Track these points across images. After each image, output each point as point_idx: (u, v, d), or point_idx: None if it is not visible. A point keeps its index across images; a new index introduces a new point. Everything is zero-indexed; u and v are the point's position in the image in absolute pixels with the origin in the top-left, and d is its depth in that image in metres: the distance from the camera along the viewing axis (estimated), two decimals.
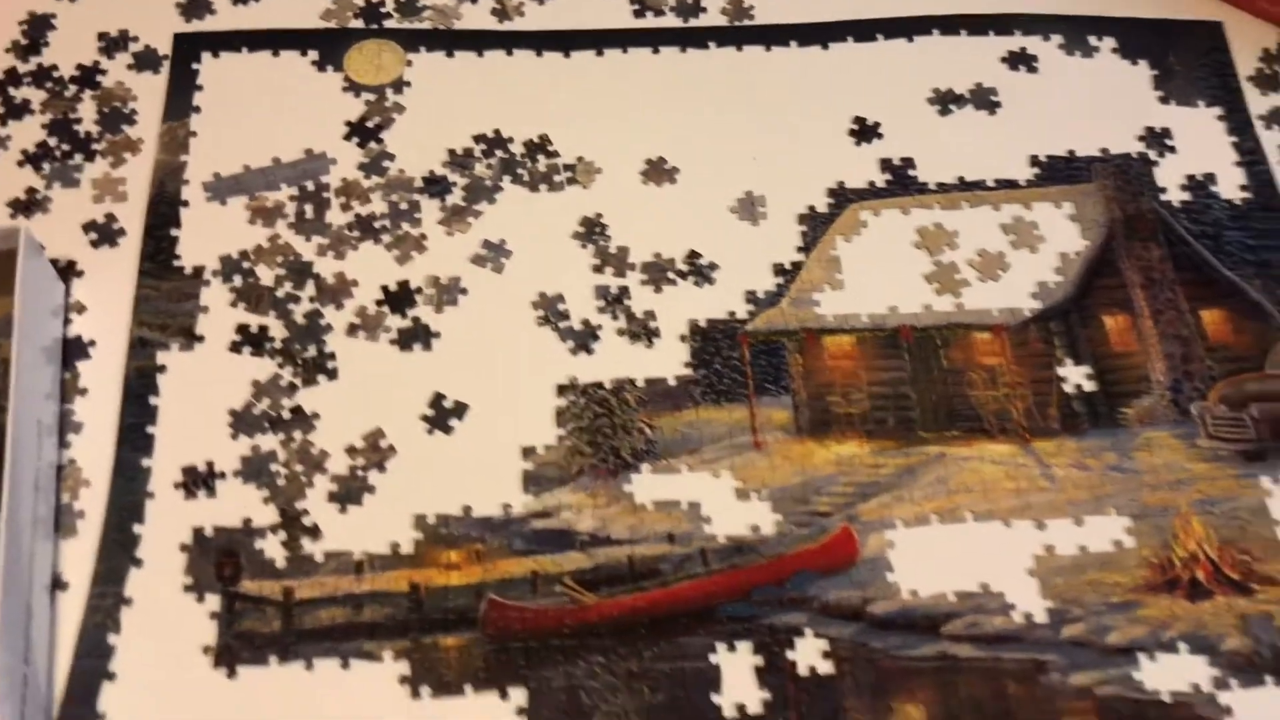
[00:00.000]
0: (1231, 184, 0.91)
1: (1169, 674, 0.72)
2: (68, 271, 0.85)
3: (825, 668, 0.71)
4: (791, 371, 0.82)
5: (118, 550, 0.74)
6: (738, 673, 0.71)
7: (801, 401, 0.81)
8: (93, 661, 0.71)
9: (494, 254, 0.86)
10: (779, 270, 0.86)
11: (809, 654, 0.72)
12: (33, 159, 0.90)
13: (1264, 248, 0.87)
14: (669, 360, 0.82)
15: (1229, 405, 0.81)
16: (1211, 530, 0.76)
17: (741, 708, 0.70)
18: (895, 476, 0.78)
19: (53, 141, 0.90)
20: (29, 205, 0.87)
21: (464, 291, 0.85)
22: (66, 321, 0.83)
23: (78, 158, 0.90)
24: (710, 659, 0.72)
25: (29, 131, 0.91)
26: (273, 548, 0.75)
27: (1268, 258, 0.87)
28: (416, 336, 0.83)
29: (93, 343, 0.82)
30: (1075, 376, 0.82)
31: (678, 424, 0.80)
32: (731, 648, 0.72)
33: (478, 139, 0.91)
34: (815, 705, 0.70)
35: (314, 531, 0.75)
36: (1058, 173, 0.91)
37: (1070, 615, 0.73)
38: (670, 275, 0.85)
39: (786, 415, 0.80)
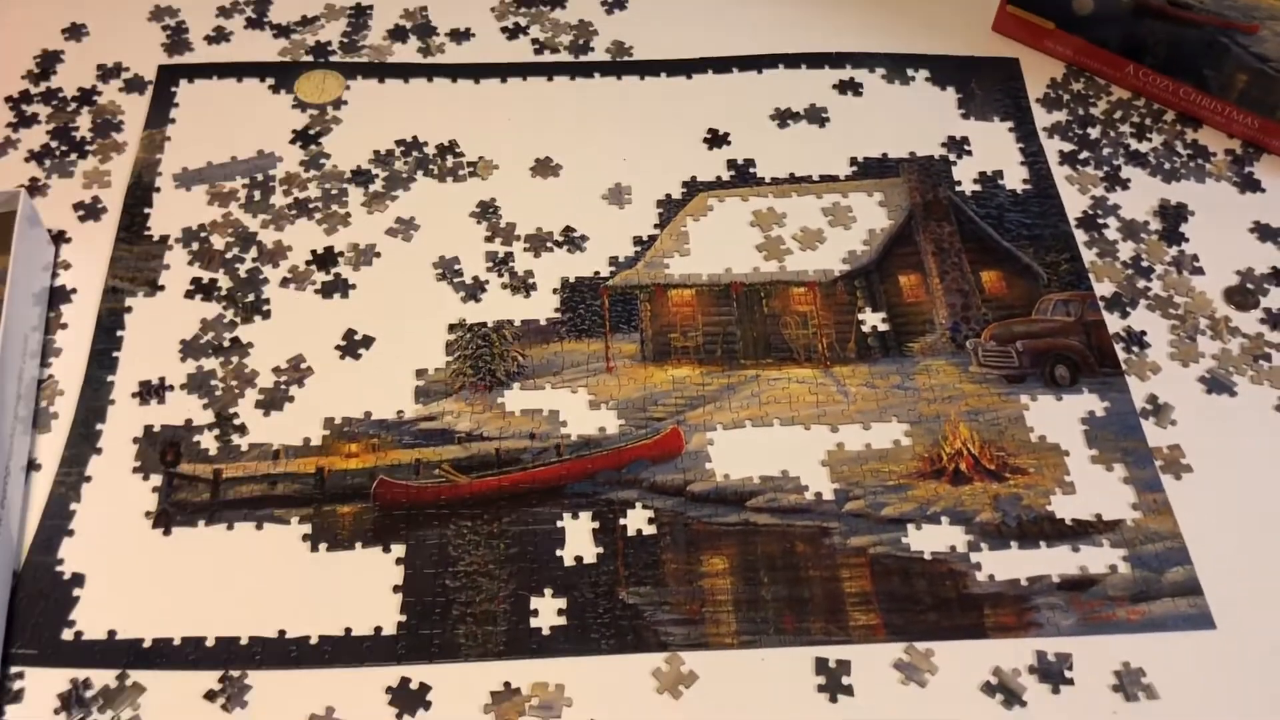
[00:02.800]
0: (1015, 178, 1.10)
1: (931, 539, 0.88)
2: (59, 238, 1.04)
3: (649, 530, 0.88)
4: (641, 315, 1.00)
5: (83, 441, 0.92)
6: (578, 534, 0.87)
7: (648, 337, 0.99)
8: (56, 522, 0.87)
9: (404, 228, 1.05)
10: (638, 241, 1.05)
11: (637, 520, 0.88)
12: (36, 157, 1.10)
13: (1037, 225, 1.06)
14: (542, 307, 1.01)
15: (998, 341, 0.99)
16: (975, 433, 0.93)
17: (579, 558, 0.86)
18: (718, 392, 0.96)
19: (54, 144, 1.11)
20: (31, 191, 1.07)
21: (378, 255, 1.04)
22: (54, 275, 1.02)
23: (73, 156, 1.10)
24: (557, 524, 0.88)
25: (35, 137, 1.12)
26: (207, 440, 0.92)
27: (1040, 233, 1.06)
28: (337, 288, 1.01)
29: (74, 291, 1.01)
30: (872, 320, 1.00)
31: (545, 353, 0.98)
32: (575, 516, 0.88)
33: (398, 143, 1.12)
34: (639, 557, 0.86)
35: (241, 429, 0.93)
36: (871, 170, 1.11)
37: (853, 494, 0.90)
38: (548, 245, 1.05)
39: (635, 347, 0.98)
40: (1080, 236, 1.06)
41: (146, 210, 1.06)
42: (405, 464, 0.91)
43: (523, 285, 1.02)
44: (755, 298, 1.02)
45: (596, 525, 0.88)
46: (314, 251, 1.04)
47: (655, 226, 1.06)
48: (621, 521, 0.88)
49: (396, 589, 0.85)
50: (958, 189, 1.09)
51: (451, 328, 0.99)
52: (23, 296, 0.96)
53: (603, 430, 0.93)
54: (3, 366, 0.89)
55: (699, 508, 0.89)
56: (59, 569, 0.85)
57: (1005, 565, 0.86)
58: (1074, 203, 1.09)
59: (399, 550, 0.87)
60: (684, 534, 0.88)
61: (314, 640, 0.82)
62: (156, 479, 0.90)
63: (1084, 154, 1.12)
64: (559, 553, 0.87)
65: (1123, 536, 0.88)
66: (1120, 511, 0.89)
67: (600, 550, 0.87)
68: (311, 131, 1.12)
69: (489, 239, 1.05)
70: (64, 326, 0.98)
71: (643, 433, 0.93)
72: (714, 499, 0.89)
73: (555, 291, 1.02)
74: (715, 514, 0.89)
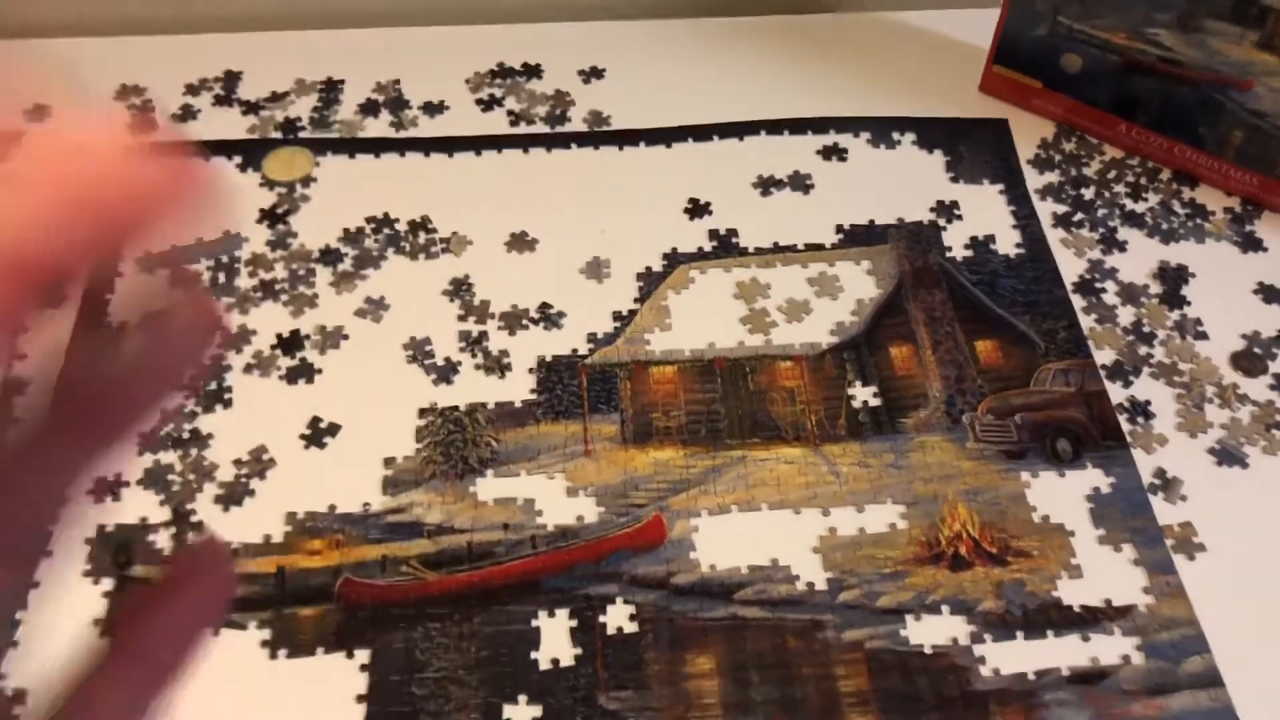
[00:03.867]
0: (1008, 243, 1.07)
1: (931, 631, 0.82)
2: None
3: (630, 627, 0.82)
4: (621, 394, 0.96)
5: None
6: (554, 633, 0.82)
7: (628, 417, 0.94)
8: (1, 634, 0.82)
9: (374, 308, 1.01)
10: (617, 317, 1.01)
11: (617, 617, 0.83)
12: None
13: (1032, 291, 1.02)
14: (517, 388, 0.96)
15: (996, 415, 0.94)
16: (975, 514, 0.88)
17: (555, 660, 0.81)
18: (703, 475, 0.91)
19: None
20: None
21: (346, 337, 0.99)
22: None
23: None
24: (532, 623, 0.82)
25: None
26: (162, 540, 0.87)
27: (1035, 299, 1.02)
28: (302, 373, 0.97)
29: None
30: (863, 395, 0.96)
31: (521, 437, 0.93)
32: (551, 614, 0.83)
33: (369, 220, 1.08)
34: (619, 657, 0.81)
35: (198, 527, 0.88)
36: (858, 237, 1.07)
37: (846, 583, 0.84)
38: (524, 322, 1.01)
39: (615, 429, 0.94)
40: (1078, 302, 1.02)
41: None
42: (371, 561, 0.86)
43: (497, 365, 0.98)
44: (740, 373, 0.97)
45: (574, 623, 0.83)
46: (279, 335, 1.00)
47: (635, 300, 1.02)
48: (601, 619, 0.83)
49: (360, 699, 0.79)
50: (948, 255, 1.06)
51: (422, 412, 0.95)
52: None
53: (581, 519, 0.88)
54: None
55: (683, 602, 0.84)
56: (0, 684, 0.80)
57: (1011, 658, 0.81)
58: (1070, 266, 1.05)
59: (363, 656, 0.81)
60: (668, 631, 0.82)
61: None
62: (107, 584, 0.85)
63: (1078, 215, 1.08)
64: (534, 655, 0.81)
65: (1135, 623, 0.82)
66: (1131, 596, 0.84)
67: (578, 651, 0.81)
68: (279, 210, 1.09)
69: (462, 318, 1.01)
70: None
71: (623, 521, 0.88)
72: (699, 592, 0.84)
73: (531, 371, 0.97)
74: (701, 608, 0.83)
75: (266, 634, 0.82)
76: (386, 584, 0.85)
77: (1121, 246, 1.06)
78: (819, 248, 1.06)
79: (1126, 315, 1.01)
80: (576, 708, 0.78)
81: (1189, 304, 1.01)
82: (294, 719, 0.78)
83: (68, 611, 0.83)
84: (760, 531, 0.87)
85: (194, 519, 0.88)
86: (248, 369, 0.97)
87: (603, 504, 0.89)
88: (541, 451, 0.92)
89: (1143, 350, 0.98)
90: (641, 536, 0.87)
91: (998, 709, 0.78)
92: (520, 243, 1.07)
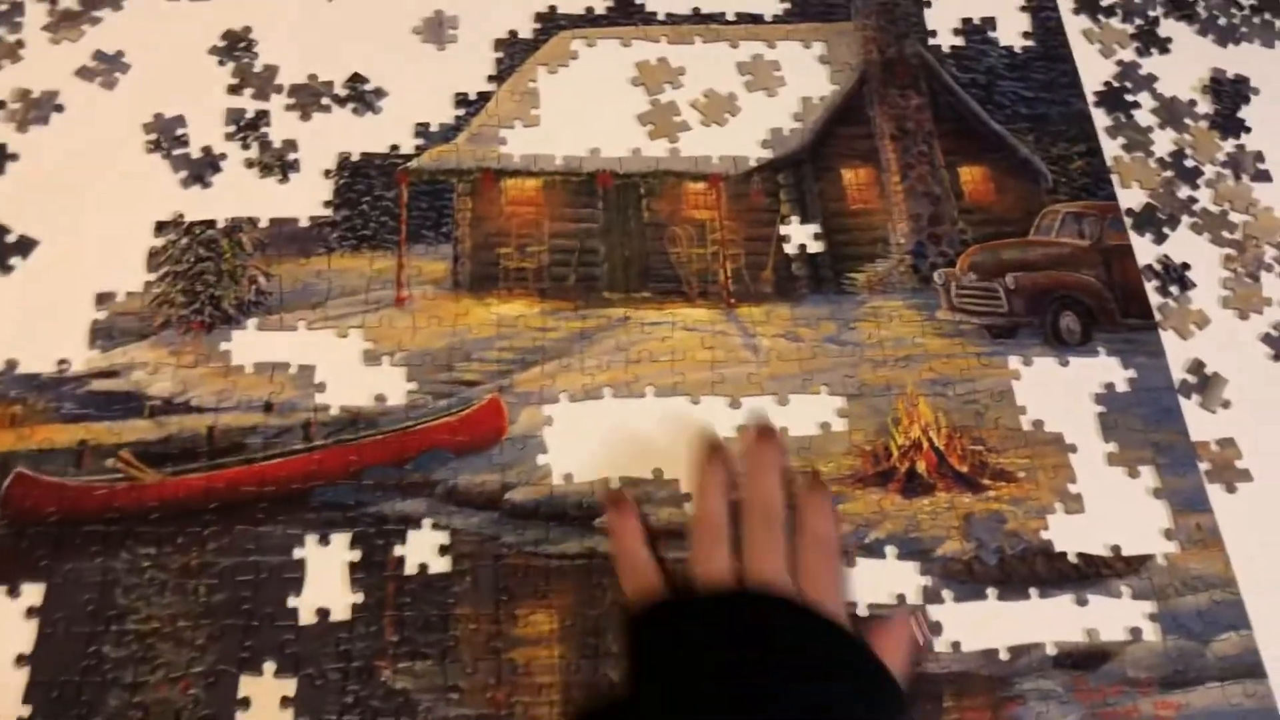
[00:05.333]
0: (1013, 31, 0.77)
1: (871, 582, 0.58)
2: None
3: (439, 565, 0.56)
4: (457, 217, 0.67)
5: None
6: (325, 570, 0.56)
7: (464, 252, 0.66)
8: None
9: (106, 67, 0.69)
10: (461, 101, 0.71)
11: (421, 549, 0.57)
12: None
13: (1041, 100, 0.74)
14: (305, 198, 0.67)
15: (979, 273, 0.67)
16: (942, 415, 0.63)
17: (323, 612, 0.55)
18: (566, 342, 0.63)
19: None
20: None
21: (60, 109, 0.68)
22: None
23: None
24: (293, 554, 0.56)
25: None
26: None
27: (1045, 112, 0.74)
28: None
29: None
30: (799, 235, 0.68)
31: (303, 273, 0.64)
32: (324, 540, 0.57)
33: None
34: (419, 611, 0.55)
35: None
36: (810, 8, 0.76)
37: None
38: (324, 101, 0.70)
39: (444, 267, 0.65)
40: (1101, 119, 0.74)
41: None
42: (62, 448, 0.58)
43: (278, 163, 0.67)
44: (631, 196, 0.69)
45: (355, 556, 0.56)
46: None
47: (490, 79, 0.72)
48: (396, 551, 0.57)
49: (21, 660, 0.53)
50: (931, 43, 0.76)
51: (161, 227, 0.65)
52: None
53: (381, 400, 0.61)
54: None
55: (520, 529, 0.58)
56: None
57: (978, 626, 0.57)
58: (1093, 69, 0.76)
59: (33, 594, 0.54)
60: (492, 574, 0.56)
61: None
62: None
63: None
64: (292, 602, 0.55)
65: (1151, 582, 0.59)
66: (1148, 543, 0.60)
67: (358, 599, 0.55)
68: None
69: (234, 90, 0.70)
70: None
71: (444, 405, 0.61)
72: (544, 515, 0.58)
73: (327, 174, 0.67)
74: (544, 540, 0.58)
75: None
76: (78, 484, 0.57)
77: (1164, 46, 0.78)
78: (755, 20, 0.76)
79: (1164, 142, 0.74)
80: (347, 684, 0.53)
81: (1248, 131, 0.74)
82: None
83: None
84: (641, 429, 0.61)
85: None
86: None
87: (415, 377, 0.61)
88: (332, 295, 0.64)
89: (1184, 193, 0.72)
90: (468, 428, 0.60)
91: (954, 701, 0.55)
92: None
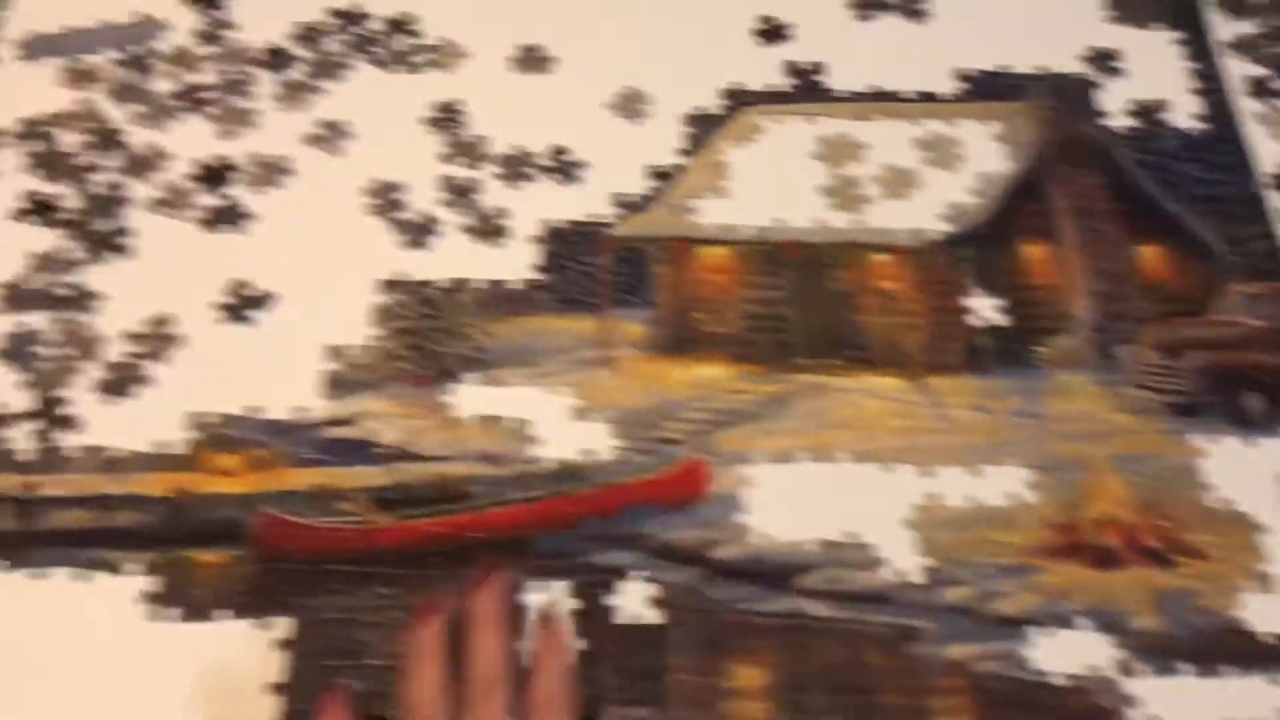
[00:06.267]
0: (1185, 113, 0.79)
1: (1063, 653, 0.60)
2: None
3: (650, 615, 0.60)
4: (655, 283, 0.71)
5: None
6: None
7: (663, 316, 0.70)
8: None
9: (331, 135, 0.75)
10: (655, 173, 0.75)
11: (634, 600, 0.60)
12: None
13: (1217, 182, 0.76)
14: (516, 262, 0.71)
15: (1161, 351, 0.69)
16: (1131, 490, 0.64)
17: None
18: (761, 405, 0.67)
19: None
20: None
21: (290, 173, 0.73)
22: None
23: None
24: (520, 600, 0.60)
25: None
26: (21, 436, 0.64)
27: (1220, 193, 0.75)
28: (228, 218, 0.71)
29: None
30: (984, 309, 0.71)
31: (518, 332, 0.69)
32: (544, 588, 0.60)
33: (332, 12, 0.80)
34: (634, 659, 0.58)
35: (71, 422, 0.64)
36: (986, 89, 0.79)
37: (952, 577, 0.61)
38: (529, 170, 0.74)
39: (644, 330, 0.69)
40: (1276, 201, 0.76)
41: None
42: (301, 491, 0.63)
43: (491, 228, 0.72)
44: (818, 266, 0.72)
45: (574, 604, 0.60)
46: (202, 164, 0.73)
47: (681, 153, 0.76)
48: (610, 600, 0.60)
49: (275, 689, 0.58)
50: (1105, 123, 0.79)
51: (385, 286, 0.70)
52: None
53: (591, 455, 0.65)
54: None
55: (726, 586, 0.61)
56: None
57: (1174, 699, 0.59)
58: (1268, 152, 0.78)
59: (283, 627, 0.59)
60: (701, 627, 0.60)
61: None
62: None
63: None
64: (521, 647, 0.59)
65: None
66: None
67: (579, 645, 0.59)
68: None
69: (447, 157, 0.75)
70: None
71: (647, 461, 0.65)
72: (749, 573, 0.61)
73: (536, 240, 0.72)
74: (750, 598, 0.60)
75: (151, 583, 0.60)
76: (321, 527, 0.62)
77: None
78: (933, 98, 0.79)
79: None
80: None
81: None
82: (169, 710, 0.57)
83: None
84: (836, 492, 0.64)
85: (65, 410, 0.65)
86: (155, 206, 0.72)
87: (623, 435, 0.65)
88: (543, 355, 0.68)
89: None
90: (672, 486, 0.64)
91: None
92: (531, 60, 0.79)
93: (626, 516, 0.62)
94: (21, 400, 0.65)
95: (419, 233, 0.71)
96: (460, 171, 0.74)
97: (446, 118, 0.76)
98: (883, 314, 0.70)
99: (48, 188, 0.72)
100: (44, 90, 0.76)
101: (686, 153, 0.76)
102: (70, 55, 0.78)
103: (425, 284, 0.69)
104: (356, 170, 0.74)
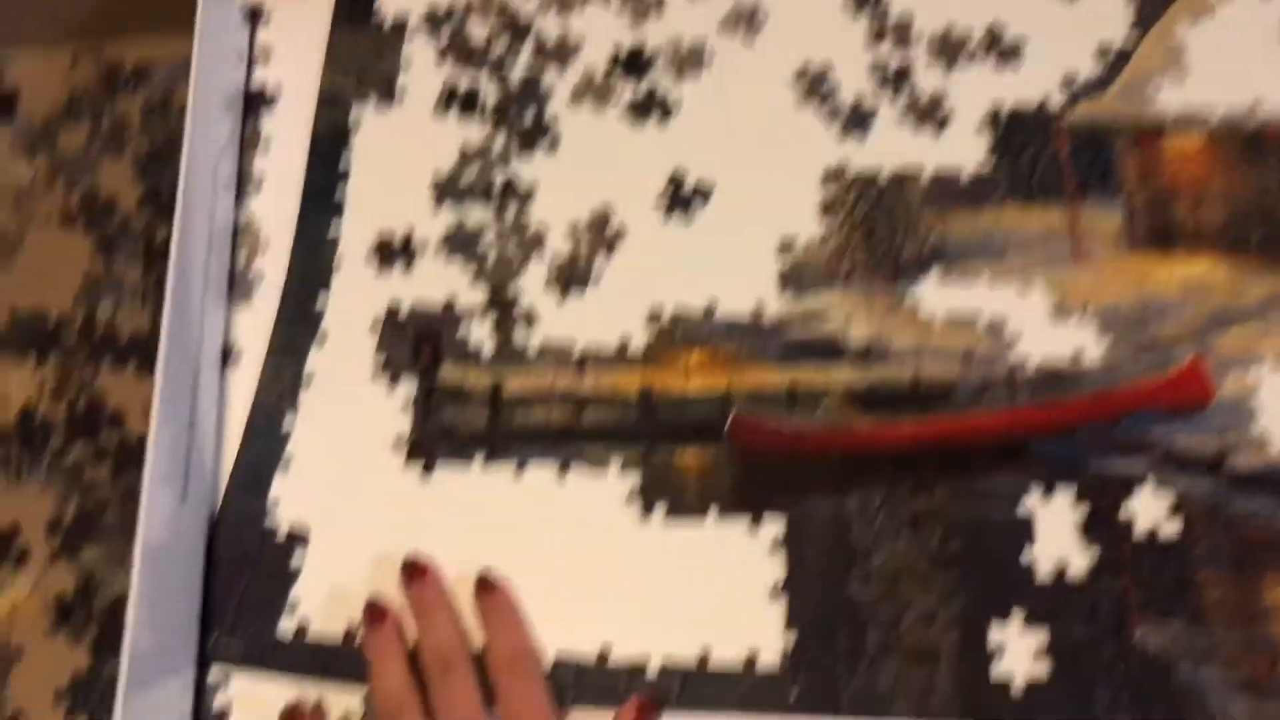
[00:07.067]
0: None
1: None
2: (254, 15, 0.73)
3: (1171, 529, 0.55)
4: (1122, 175, 0.65)
5: (298, 322, 0.63)
6: (1055, 526, 0.56)
7: (1136, 210, 0.64)
8: (266, 444, 0.60)
9: (744, 20, 0.70)
10: (1104, 51, 0.68)
11: (1150, 510, 0.56)
12: None
13: None
14: (963, 151, 0.65)
15: None
16: None
17: (1060, 571, 0.55)
18: (1262, 304, 0.61)
19: None
20: None
21: (707, 61, 0.69)
22: (249, 69, 0.72)
23: None
24: (1019, 507, 0.56)
25: None
26: (480, 332, 0.62)
27: None
28: (651, 107, 0.68)
29: (277, 95, 0.70)
30: None
31: (975, 226, 0.64)
32: (1048, 492, 0.57)
33: None
34: (1158, 574, 0.54)
35: (529, 318, 0.63)
36: None
37: None
38: (967, 52, 0.69)
39: (1115, 224, 0.63)
40: None
41: None
42: (773, 391, 0.60)
43: (931, 115, 0.67)
44: None
45: (1083, 512, 0.56)
46: (616, 53, 0.70)
47: (1131, 26, 0.70)
48: (1123, 511, 0.56)
49: (777, 591, 0.56)
50: None
51: (827, 177, 0.66)
52: (210, 103, 0.66)
53: (1077, 360, 0.60)
54: (189, 200, 0.61)
55: (1249, 497, 0.56)
56: (270, 520, 0.59)
57: None
58: None
59: (775, 526, 0.57)
60: (1229, 540, 0.55)
61: (653, 667, 0.55)
62: (408, 387, 0.61)
63: None
64: (1026, 556, 0.56)
65: None
66: None
67: (1094, 556, 0.55)
68: None
69: (874, 39, 0.70)
70: (265, 147, 0.69)
71: (1142, 365, 0.60)
72: (1272, 486, 0.56)
73: (983, 127, 0.67)
74: (1275, 511, 0.56)
75: (633, 480, 0.58)
76: (798, 425, 0.59)
77: None
78: None
79: None
80: (1103, 640, 0.53)
81: None
82: (682, 611, 0.55)
83: (353, 421, 0.60)
84: None
85: (521, 305, 0.63)
86: (576, 96, 0.69)
87: (1110, 336, 0.60)
88: (1008, 249, 0.63)
89: None
90: (1176, 390, 0.58)
91: None
92: None
93: (1127, 422, 0.58)
94: (474, 295, 0.64)
95: (854, 121, 0.67)
96: (889, 54, 0.69)
97: None
98: None
99: (463, 77, 0.70)
100: None
101: (1136, 26, 0.69)
102: None
103: (870, 176, 0.65)
104: (777, 57, 0.69)
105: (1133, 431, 0.57)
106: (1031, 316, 0.61)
